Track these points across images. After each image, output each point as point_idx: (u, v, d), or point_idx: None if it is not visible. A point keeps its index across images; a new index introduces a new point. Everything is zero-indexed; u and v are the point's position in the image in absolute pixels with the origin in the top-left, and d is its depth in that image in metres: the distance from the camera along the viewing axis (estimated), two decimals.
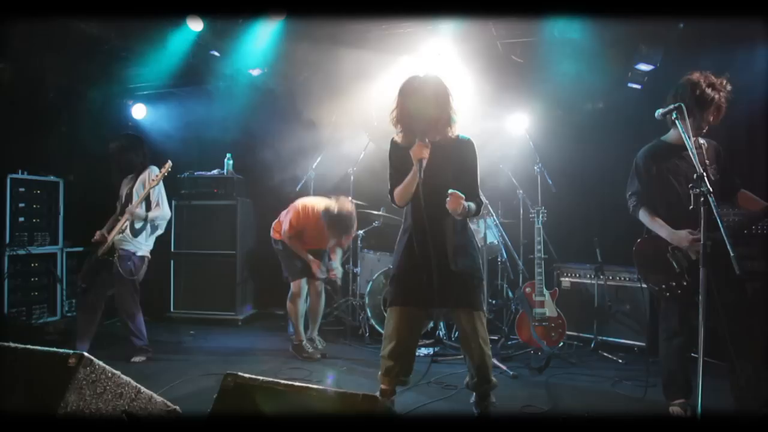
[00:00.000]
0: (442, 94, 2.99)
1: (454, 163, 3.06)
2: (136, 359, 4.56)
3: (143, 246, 4.64)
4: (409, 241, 3.09)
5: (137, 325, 4.62)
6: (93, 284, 4.57)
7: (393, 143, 3.14)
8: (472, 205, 3.01)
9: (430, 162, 2.95)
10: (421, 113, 2.94)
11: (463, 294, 3.04)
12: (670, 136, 3.35)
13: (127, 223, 4.53)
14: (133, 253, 4.56)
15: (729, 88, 3.15)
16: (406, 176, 2.99)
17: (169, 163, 4.67)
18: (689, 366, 3.27)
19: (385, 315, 3.24)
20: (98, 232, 4.66)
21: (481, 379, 3.12)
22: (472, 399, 3.24)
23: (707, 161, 3.16)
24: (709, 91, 3.10)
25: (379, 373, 3.15)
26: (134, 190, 4.64)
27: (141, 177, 4.67)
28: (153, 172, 4.64)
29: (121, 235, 4.51)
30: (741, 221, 3.30)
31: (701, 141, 3.26)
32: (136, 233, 4.58)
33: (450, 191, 2.84)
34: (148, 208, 4.63)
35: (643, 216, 3.33)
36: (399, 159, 3.06)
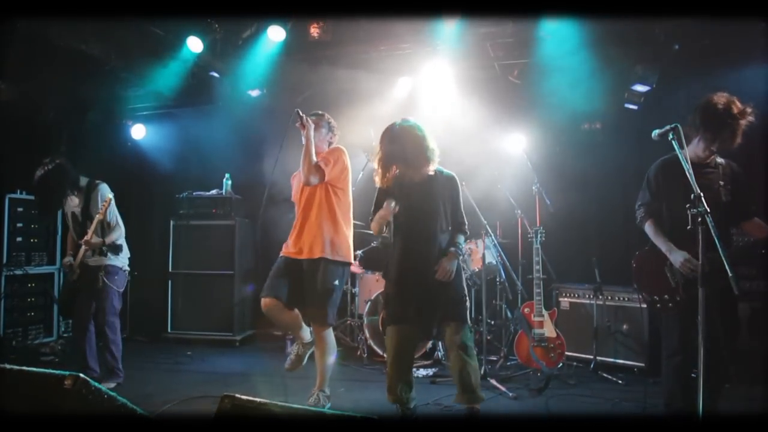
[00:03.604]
0: (419, 138, 3.37)
1: (440, 195, 3.47)
2: (110, 384, 4.26)
3: (125, 260, 4.58)
4: (399, 264, 3.48)
5: (117, 338, 4.45)
6: (73, 310, 4.49)
7: (379, 190, 3.55)
8: (461, 246, 3.53)
9: (416, 194, 3.45)
10: (401, 157, 3.37)
11: (449, 308, 3.40)
12: (685, 151, 3.34)
13: (95, 251, 4.38)
14: (120, 268, 4.50)
15: (751, 118, 3.02)
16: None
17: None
18: (691, 386, 3.23)
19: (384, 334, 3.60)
20: (65, 260, 4.50)
21: (465, 388, 3.32)
22: None
23: (721, 182, 3.13)
24: (728, 114, 2.99)
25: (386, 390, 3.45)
26: (89, 209, 4.40)
27: (91, 195, 4.41)
28: (105, 194, 4.38)
29: (100, 257, 4.38)
30: (756, 242, 3.24)
31: (719, 160, 3.21)
32: (116, 251, 4.46)
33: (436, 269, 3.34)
34: (105, 230, 4.40)
35: (649, 228, 3.30)
36: (382, 201, 3.47)
